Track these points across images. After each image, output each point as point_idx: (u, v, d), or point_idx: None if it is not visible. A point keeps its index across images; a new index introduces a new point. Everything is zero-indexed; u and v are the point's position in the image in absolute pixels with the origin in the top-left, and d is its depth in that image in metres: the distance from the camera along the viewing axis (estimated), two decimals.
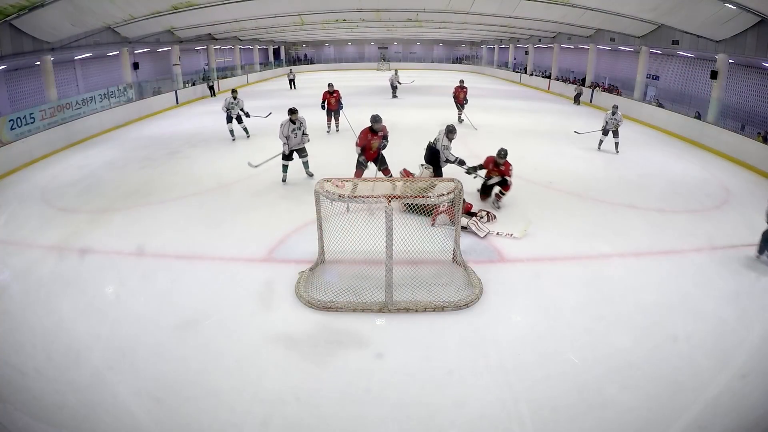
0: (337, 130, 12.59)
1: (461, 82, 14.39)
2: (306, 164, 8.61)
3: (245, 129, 12.24)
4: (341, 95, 12.39)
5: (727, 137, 11.38)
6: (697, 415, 3.40)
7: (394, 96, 19.95)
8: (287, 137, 8.09)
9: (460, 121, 13.85)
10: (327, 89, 12.33)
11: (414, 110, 16.68)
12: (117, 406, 3.47)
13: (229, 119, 11.77)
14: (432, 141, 7.67)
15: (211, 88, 21.95)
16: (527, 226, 6.26)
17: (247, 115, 11.78)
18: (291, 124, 8.07)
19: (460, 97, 14.03)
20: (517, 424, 3.32)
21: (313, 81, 28.36)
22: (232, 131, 12.00)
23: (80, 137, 12.66)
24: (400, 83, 20.64)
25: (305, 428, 3.32)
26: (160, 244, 6.12)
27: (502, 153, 7.02)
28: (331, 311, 4.57)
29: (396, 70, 22.64)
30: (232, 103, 11.52)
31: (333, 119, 12.66)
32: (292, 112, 8.05)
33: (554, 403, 3.49)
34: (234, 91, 11.95)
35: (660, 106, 15.66)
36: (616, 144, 10.92)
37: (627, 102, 16.87)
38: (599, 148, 11.19)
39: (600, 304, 4.76)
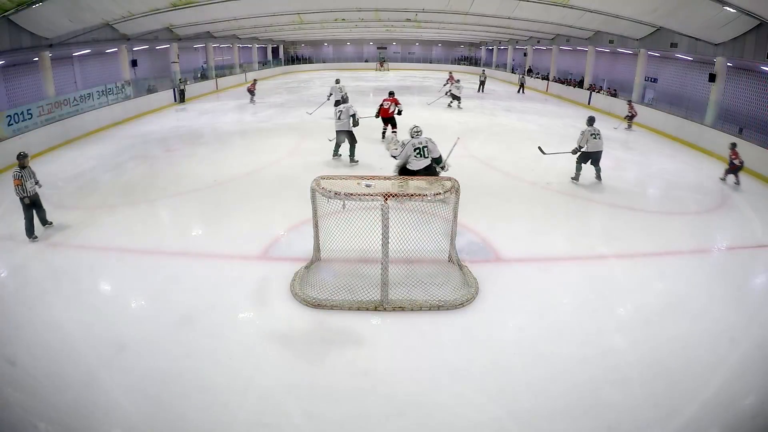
0: None
1: None
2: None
3: None
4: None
5: (724, 140, 11.36)
6: (693, 415, 3.40)
7: (459, 106, 17.28)
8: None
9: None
10: None
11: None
12: (111, 402, 3.45)
13: None
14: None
15: (182, 92, 19.08)
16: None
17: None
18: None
19: None
20: (515, 424, 3.31)
21: (306, 81, 28.35)
22: None
23: (78, 134, 12.62)
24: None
25: (298, 425, 3.30)
26: (156, 242, 6.11)
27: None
28: (327, 309, 4.56)
29: (458, 80, 18.52)
30: None
31: None
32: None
33: (551, 403, 3.48)
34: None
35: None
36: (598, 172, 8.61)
37: (626, 104, 16.92)
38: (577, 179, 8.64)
39: (596, 305, 4.76)
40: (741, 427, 3.39)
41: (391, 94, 11.34)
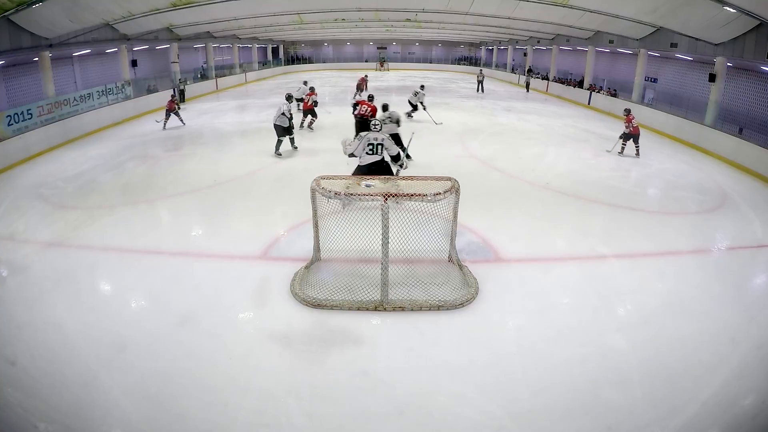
0: None
1: None
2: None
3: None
4: None
5: (724, 140, 11.40)
6: (693, 415, 3.40)
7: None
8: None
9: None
10: None
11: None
12: (110, 402, 3.45)
13: None
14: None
15: (182, 92, 18.69)
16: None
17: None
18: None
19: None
20: (515, 424, 3.31)
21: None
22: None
23: (77, 134, 12.61)
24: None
25: (297, 425, 3.30)
26: (156, 242, 6.11)
27: None
28: (327, 309, 4.55)
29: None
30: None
31: None
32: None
33: (551, 403, 3.48)
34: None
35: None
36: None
37: (625, 104, 16.94)
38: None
39: (596, 305, 4.76)
40: (741, 427, 3.38)
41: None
